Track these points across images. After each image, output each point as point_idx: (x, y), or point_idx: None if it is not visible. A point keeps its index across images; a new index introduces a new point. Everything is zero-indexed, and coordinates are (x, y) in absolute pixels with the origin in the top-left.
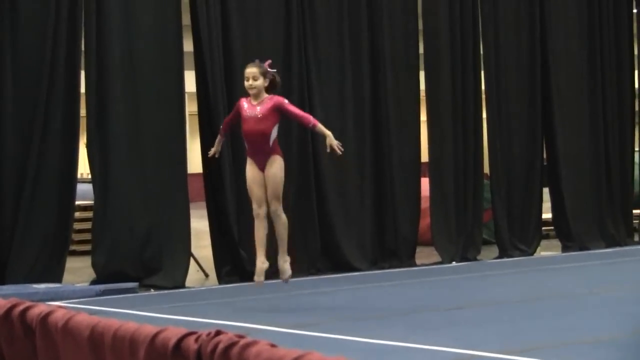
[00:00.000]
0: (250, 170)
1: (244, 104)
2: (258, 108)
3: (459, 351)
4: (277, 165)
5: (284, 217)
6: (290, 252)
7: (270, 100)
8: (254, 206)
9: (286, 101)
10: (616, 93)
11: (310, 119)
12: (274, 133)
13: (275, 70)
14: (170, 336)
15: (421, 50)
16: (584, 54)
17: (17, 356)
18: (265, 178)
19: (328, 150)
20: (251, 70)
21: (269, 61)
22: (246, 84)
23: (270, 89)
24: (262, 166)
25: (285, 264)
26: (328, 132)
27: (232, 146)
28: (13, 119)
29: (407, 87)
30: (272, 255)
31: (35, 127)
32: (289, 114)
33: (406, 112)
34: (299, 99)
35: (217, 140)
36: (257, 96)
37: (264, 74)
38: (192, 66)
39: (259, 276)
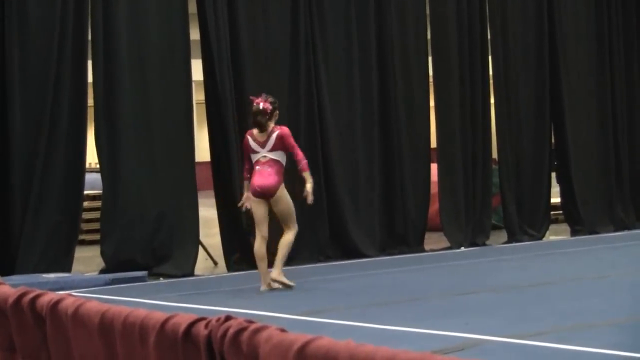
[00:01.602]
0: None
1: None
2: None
3: (469, 336)
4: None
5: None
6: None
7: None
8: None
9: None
10: (625, 78)
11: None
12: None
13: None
14: (181, 322)
15: (429, 36)
16: (593, 40)
17: (28, 344)
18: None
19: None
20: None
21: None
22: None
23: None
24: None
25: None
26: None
27: (240, 133)
28: (21, 110)
29: (416, 74)
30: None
31: (43, 117)
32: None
33: (415, 99)
34: (307, 88)
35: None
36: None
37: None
38: (199, 55)
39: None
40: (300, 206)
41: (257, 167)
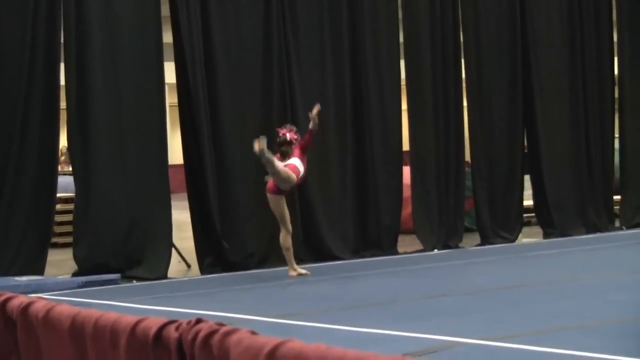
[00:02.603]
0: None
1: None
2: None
3: (442, 338)
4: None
5: (289, 240)
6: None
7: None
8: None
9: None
10: (596, 81)
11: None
12: None
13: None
14: (151, 325)
15: (401, 40)
16: (565, 42)
17: None
18: None
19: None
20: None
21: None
22: None
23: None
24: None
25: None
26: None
27: (213, 137)
28: None
29: (388, 77)
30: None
31: (15, 120)
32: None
33: (387, 102)
34: (280, 91)
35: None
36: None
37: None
38: (172, 58)
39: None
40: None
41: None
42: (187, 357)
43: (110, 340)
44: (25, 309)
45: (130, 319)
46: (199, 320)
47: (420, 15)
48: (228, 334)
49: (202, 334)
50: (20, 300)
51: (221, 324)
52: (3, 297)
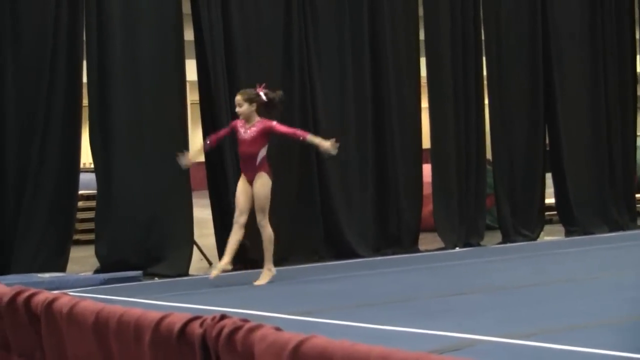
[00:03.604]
0: (241, 182)
1: (240, 127)
2: (248, 131)
3: (463, 336)
4: (261, 182)
5: (268, 230)
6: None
7: (260, 124)
8: (236, 213)
9: (274, 123)
10: (618, 78)
11: (299, 133)
12: (262, 153)
13: (266, 92)
14: (175, 321)
15: (422, 36)
16: (586, 39)
17: (23, 343)
18: (253, 193)
19: (326, 157)
20: (237, 98)
21: (261, 85)
22: (237, 110)
23: (265, 111)
24: (250, 181)
25: (267, 271)
26: (318, 141)
27: (234, 134)
28: (15, 109)
29: (408, 74)
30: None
31: (37, 117)
32: (280, 134)
33: (408, 99)
34: (301, 88)
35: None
36: (247, 120)
37: (249, 100)
38: (193, 55)
39: (216, 270)
40: (295, 207)
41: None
42: (211, 353)
43: (134, 336)
44: (50, 304)
45: (155, 314)
46: (223, 317)
47: (441, 12)
48: (252, 330)
49: (226, 330)
50: (44, 296)
51: (245, 320)
52: (27, 293)
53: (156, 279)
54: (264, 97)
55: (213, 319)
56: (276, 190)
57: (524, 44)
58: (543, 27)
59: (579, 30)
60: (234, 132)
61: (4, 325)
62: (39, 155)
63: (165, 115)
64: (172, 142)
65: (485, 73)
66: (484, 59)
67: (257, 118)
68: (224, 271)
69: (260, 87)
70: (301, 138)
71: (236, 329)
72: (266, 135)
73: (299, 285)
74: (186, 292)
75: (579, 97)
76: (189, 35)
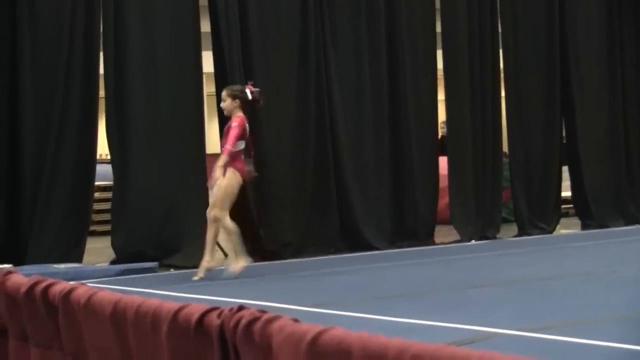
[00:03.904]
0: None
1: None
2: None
3: (479, 329)
4: (227, 176)
5: (226, 224)
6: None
7: (230, 121)
8: (208, 209)
9: (232, 125)
10: (635, 71)
11: (224, 150)
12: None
13: (253, 90)
14: (193, 312)
15: (438, 29)
16: (604, 32)
17: (40, 333)
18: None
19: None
20: (222, 93)
21: (251, 83)
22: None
23: (244, 108)
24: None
25: (205, 263)
26: (218, 173)
27: (250, 125)
28: (32, 102)
29: (425, 67)
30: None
31: (54, 109)
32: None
33: (424, 92)
34: (317, 80)
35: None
36: (229, 116)
37: (232, 96)
38: (209, 47)
39: (200, 272)
40: (312, 199)
41: (243, 156)
42: (228, 344)
43: (151, 327)
44: (67, 295)
45: (172, 305)
46: (241, 308)
47: (458, 5)
48: (270, 321)
49: (244, 321)
50: (62, 286)
51: (263, 311)
52: (45, 283)
53: (172, 270)
54: (249, 95)
55: (231, 310)
56: (293, 183)
57: (540, 36)
58: (560, 20)
59: (596, 23)
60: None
61: (21, 316)
62: (56, 147)
63: (181, 107)
64: (188, 134)
65: (501, 66)
66: (500, 52)
67: (238, 114)
68: (209, 270)
69: (249, 84)
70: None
71: (254, 320)
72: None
73: (314, 278)
74: (202, 283)
75: (596, 90)
76: (205, 26)
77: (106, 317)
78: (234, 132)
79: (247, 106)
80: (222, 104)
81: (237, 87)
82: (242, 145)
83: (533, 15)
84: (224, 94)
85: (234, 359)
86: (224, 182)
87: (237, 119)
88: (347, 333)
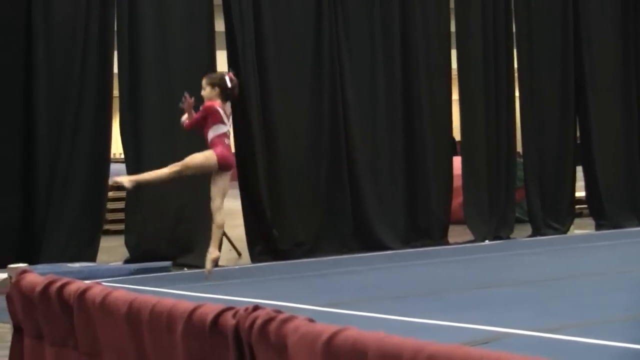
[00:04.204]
0: None
1: None
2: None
3: (493, 329)
4: (202, 153)
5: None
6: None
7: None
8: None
9: (202, 108)
10: None
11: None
12: (210, 134)
13: (232, 78)
14: (208, 312)
15: (453, 28)
16: (618, 32)
17: (55, 332)
18: None
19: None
20: (202, 82)
21: (230, 72)
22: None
23: (224, 96)
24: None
25: (209, 255)
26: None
27: (264, 125)
28: (47, 100)
29: (439, 66)
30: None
31: (68, 107)
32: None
33: (438, 91)
34: (331, 80)
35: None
36: None
37: (212, 84)
38: (223, 46)
39: (207, 265)
40: (325, 199)
41: (226, 140)
42: (243, 343)
43: (166, 327)
44: (82, 294)
45: (187, 305)
46: (256, 307)
47: (472, 5)
48: (285, 321)
49: (259, 321)
50: (77, 285)
51: (278, 311)
52: (60, 282)
53: (185, 269)
54: (228, 83)
55: (246, 309)
56: (306, 183)
57: (555, 36)
58: (574, 19)
59: (611, 23)
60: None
61: (36, 315)
62: (70, 146)
63: (195, 106)
64: (202, 133)
65: (516, 66)
66: (514, 51)
67: (217, 101)
68: (214, 260)
69: (229, 73)
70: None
71: (269, 320)
72: (209, 116)
73: (328, 277)
74: (216, 282)
75: (611, 90)
76: (219, 26)
77: (121, 317)
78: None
79: (227, 94)
80: (202, 92)
81: (216, 75)
82: (221, 129)
83: (547, 15)
84: (203, 82)
85: (249, 358)
86: (199, 155)
87: (206, 105)
88: (362, 333)
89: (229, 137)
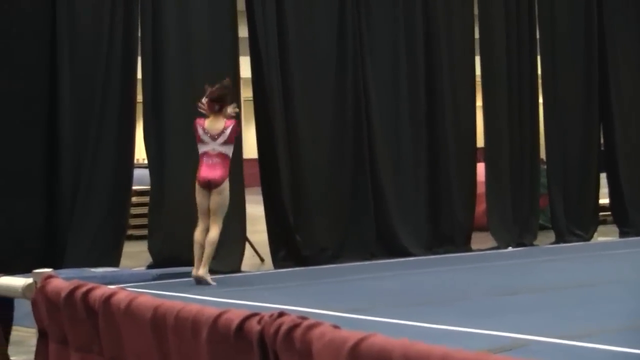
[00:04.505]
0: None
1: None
2: None
3: (515, 336)
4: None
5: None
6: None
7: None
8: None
9: None
10: None
11: None
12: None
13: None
14: (233, 317)
15: (477, 35)
16: None
17: (80, 337)
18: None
19: None
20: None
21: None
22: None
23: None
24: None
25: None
26: None
27: (287, 131)
28: (71, 106)
29: (463, 72)
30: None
31: (93, 113)
32: None
33: (462, 97)
34: (354, 86)
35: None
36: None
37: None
38: (247, 52)
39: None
40: (348, 205)
41: (205, 159)
42: (268, 349)
43: (191, 332)
44: (108, 299)
45: (212, 311)
46: (281, 314)
47: (496, 12)
48: (310, 327)
49: (284, 327)
50: (102, 290)
51: (304, 318)
52: (85, 288)
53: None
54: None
55: (271, 315)
56: (329, 189)
57: (578, 43)
58: (599, 25)
59: (635, 28)
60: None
61: (61, 320)
62: (94, 151)
63: None
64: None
65: (539, 72)
66: (538, 58)
67: (200, 119)
68: (197, 277)
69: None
70: None
71: (294, 327)
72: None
73: (351, 283)
74: (238, 288)
75: (635, 96)
76: (243, 32)
77: (146, 322)
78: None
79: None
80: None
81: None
82: (200, 148)
83: (571, 22)
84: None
85: None
86: (225, 196)
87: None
88: (387, 340)
89: (210, 155)
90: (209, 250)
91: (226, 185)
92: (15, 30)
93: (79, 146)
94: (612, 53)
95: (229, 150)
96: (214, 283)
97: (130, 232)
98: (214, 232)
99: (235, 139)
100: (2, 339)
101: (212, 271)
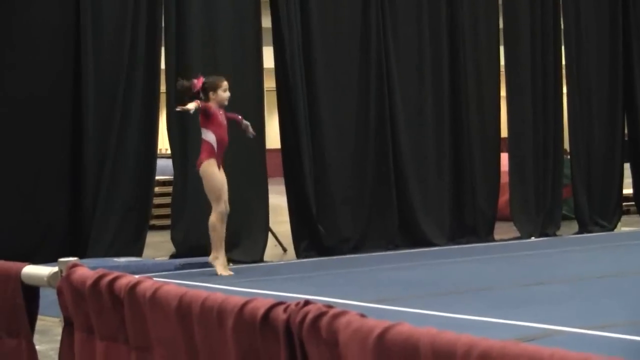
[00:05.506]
0: (220, 172)
1: (217, 112)
2: (224, 117)
3: (539, 326)
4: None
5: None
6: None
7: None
8: (224, 206)
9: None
10: None
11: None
12: None
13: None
14: (259, 306)
15: (501, 25)
16: None
17: (106, 326)
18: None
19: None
20: (226, 82)
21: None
22: (227, 94)
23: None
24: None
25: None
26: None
27: (310, 122)
28: (94, 96)
29: (487, 63)
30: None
31: (116, 103)
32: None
33: (486, 88)
34: (378, 76)
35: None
36: (223, 106)
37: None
38: (270, 42)
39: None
40: (372, 195)
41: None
42: (294, 338)
43: (217, 321)
44: (133, 288)
45: (238, 300)
46: (307, 302)
47: (521, 2)
48: (337, 316)
49: (310, 316)
50: (127, 279)
51: (330, 306)
52: (111, 276)
53: (231, 264)
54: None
55: (297, 304)
56: (352, 179)
57: (603, 33)
58: (624, 15)
59: None
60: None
61: (87, 308)
62: (118, 142)
63: (242, 102)
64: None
65: (563, 62)
66: (562, 48)
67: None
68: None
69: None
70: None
71: (320, 315)
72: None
73: (374, 273)
74: (261, 278)
75: None
76: (266, 22)
77: (172, 311)
78: None
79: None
80: (228, 93)
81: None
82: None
83: (596, 11)
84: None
85: (300, 354)
86: (206, 180)
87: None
88: (414, 329)
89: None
90: (210, 236)
91: (205, 168)
92: (41, 20)
93: (102, 137)
94: (637, 43)
95: (204, 134)
96: (225, 273)
97: (153, 222)
98: (210, 217)
99: (258, 129)
100: (27, 328)
101: (234, 261)
